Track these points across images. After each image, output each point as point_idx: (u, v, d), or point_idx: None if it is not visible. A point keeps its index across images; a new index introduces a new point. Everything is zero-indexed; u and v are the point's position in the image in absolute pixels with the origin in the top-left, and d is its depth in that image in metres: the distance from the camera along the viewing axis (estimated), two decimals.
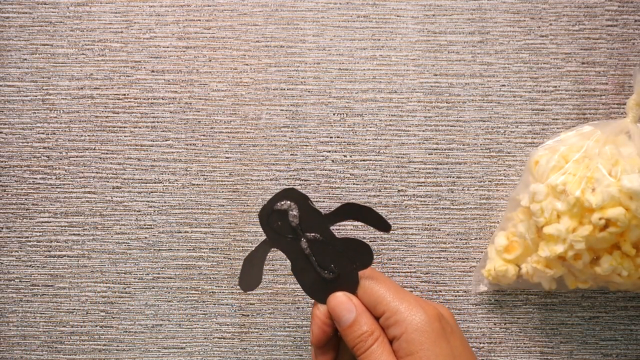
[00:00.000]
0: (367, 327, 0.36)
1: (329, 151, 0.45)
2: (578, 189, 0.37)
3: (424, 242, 0.45)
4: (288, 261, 0.38)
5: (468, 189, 0.45)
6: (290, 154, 0.45)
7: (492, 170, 0.45)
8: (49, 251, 0.45)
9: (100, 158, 0.45)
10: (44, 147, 0.45)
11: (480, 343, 0.44)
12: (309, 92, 0.45)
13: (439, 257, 0.45)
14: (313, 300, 0.39)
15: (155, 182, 0.45)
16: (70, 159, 0.45)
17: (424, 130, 0.45)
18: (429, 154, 0.44)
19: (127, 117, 0.45)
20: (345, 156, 0.45)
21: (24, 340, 0.45)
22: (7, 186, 0.45)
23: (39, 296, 0.45)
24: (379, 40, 0.45)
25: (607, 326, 0.44)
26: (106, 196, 0.45)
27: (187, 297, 0.45)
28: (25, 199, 0.45)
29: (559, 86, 0.44)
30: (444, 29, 0.45)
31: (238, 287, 0.39)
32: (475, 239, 0.45)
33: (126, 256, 0.45)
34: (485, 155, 0.45)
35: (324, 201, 0.45)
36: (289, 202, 0.38)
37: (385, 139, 0.45)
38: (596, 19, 0.44)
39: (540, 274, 0.40)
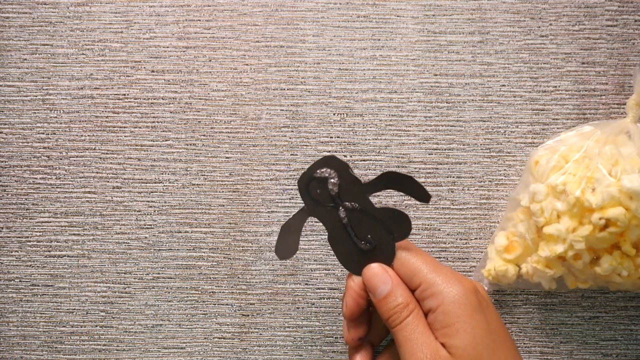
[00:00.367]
0: (402, 299, 0.36)
1: (329, 151, 0.45)
2: (578, 189, 0.37)
3: (424, 242, 0.45)
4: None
5: (468, 189, 0.45)
6: (290, 154, 0.45)
7: (492, 170, 0.45)
8: (49, 251, 0.45)
9: (100, 158, 0.45)
10: (44, 147, 0.45)
11: None
12: (309, 92, 0.45)
13: (439, 257, 0.45)
14: (347, 272, 0.38)
15: (155, 182, 0.45)
16: (70, 159, 0.45)
17: (424, 130, 0.45)
18: (429, 154, 0.44)
19: (127, 117, 0.45)
20: (345, 156, 0.45)
21: (24, 340, 0.45)
22: (7, 186, 0.45)
23: (39, 296, 0.45)
24: (379, 40, 0.45)
25: (607, 326, 0.44)
26: (106, 196, 0.45)
27: (187, 297, 0.45)
28: (25, 199, 0.45)
29: (559, 86, 0.44)
30: (444, 29, 0.45)
31: (276, 256, 0.38)
32: (475, 239, 0.45)
33: (126, 256, 0.45)
34: (485, 155, 0.45)
35: None
36: (329, 169, 0.37)
37: (385, 139, 0.45)
38: (596, 19, 0.44)
39: (540, 274, 0.40)
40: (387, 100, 0.45)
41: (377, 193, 0.38)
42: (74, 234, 0.45)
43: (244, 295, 0.45)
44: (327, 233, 0.38)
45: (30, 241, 0.45)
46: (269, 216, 0.45)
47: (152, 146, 0.45)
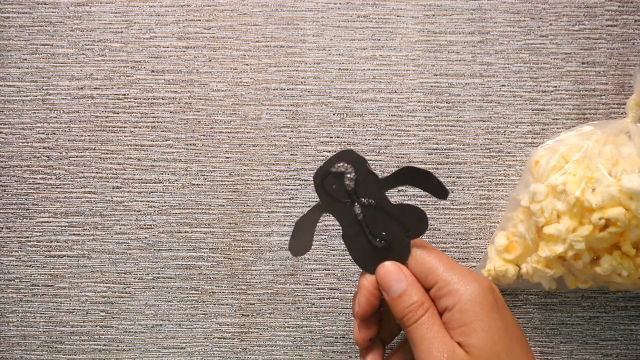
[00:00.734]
0: (417, 297, 0.35)
1: (329, 151, 0.45)
2: (578, 189, 0.37)
3: None
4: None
5: (468, 189, 0.45)
6: (290, 154, 0.45)
7: (492, 170, 0.45)
8: (49, 251, 0.45)
9: (100, 158, 0.45)
10: (44, 147, 0.45)
11: None
12: (309, 92, 0.45)
13: None
14: (358, 272, 0.38)
15: (155, 182, 0.45)
16: (70, 159, 0.45)
17: (424, 130, 0.45)
18: (429, 154, 0.44)
19: (127, 117, 0.45)
20: None
21: (24, 340, 0.45)
22: (7, 186, 0.45)
23: (39, 296, 0.45)
24: (379, 40, 0.45)
25: (607, 326, 0.44)
26: (106, 196, 0.45)
27: (187, 297, 0.45)
28: (25, 199, 0.45)
29: (559, 86, 0.44)
30: (444, 29, 0.45)
31: (290, 249, 0.37)
32: (475, 239, 0.45)
33: (126, 256, 0.45)
34: (485, 155, 0.45)
35: None
36: (346, 164, 0.37)
37: (385, 139, 0.45)
38: (596, 19, 0.44)
39: (540, 274, 0.40)
40: (387, 100, 0.45)
41: (394, 189, 0.37)
42: (74, 234, 0.45)
43: (244, 295, 0.45)
44: (341, 230, 0.37)
45: (30, 241, 0.45)
46: (269, 216, 0.45)
47: (152, 146, 0.45)
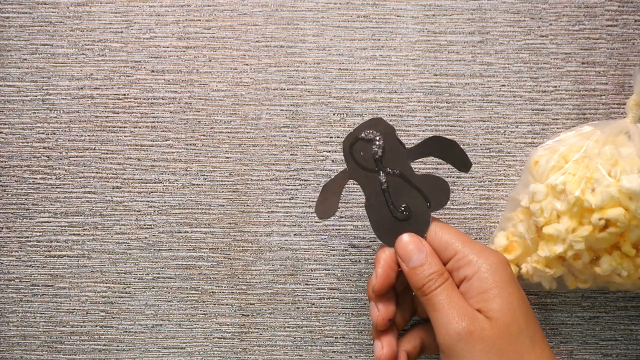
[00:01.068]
0: (437, 267, 0.37)
1: (329, 151, 0.45)
2: (578, 189, 0.37)
3: None
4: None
5: (468, 189, 0.45)
6: (290, 154, 0.45)
7: (492, 170, 0.45)
8: (49, 251, 0.45)
9: (100, 158, 0.45)
10: (44, 147, 0.45)
11: None
12: (309, 92, 0.45)
13: None
14: (378, 245, 0.38)
15: (155, 182, 0.45)
16: (70, 159, 0.45)
17: (424, 131, 0.45)
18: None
19: (127, 117, 0.45)
20: None
21: (24, 340, 0.45)
22: (7, 186, 0.45)
23: (39, 296, 0.45)
24: (379, 40, 0.45)
25: (607, 326, 0.44)
26: (106, 196, 0.45)
27: (187, 297, 0.45)
28: (25, 199, 0.45)
29: (559, 86, 0.44)
30: (444, 29, 0.45)
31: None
32: (475, 239, 0.45)
33: (126, 256, 0.45)
34: (485, 155, 0.45)
35: None
36: (375, 131, 0.38)
37: None
38: (596, 19, 0.44)
39: (540, 274, 0.40)
40: (387, 100, 0.45)
41: (419, 160, 0.39)
42: (74, 234, 0.45)
43: (244, 295, 0.45)
44: (364, 199, 0.38)
45: (30, 241, 0.45)
46: (269, 216, 0.45)
47: (152, 146, 0.45)
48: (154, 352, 0.45)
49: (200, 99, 0.45)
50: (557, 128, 0.44)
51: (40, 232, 0.45)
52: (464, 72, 0.45)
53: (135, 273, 0.45)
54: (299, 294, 0.45)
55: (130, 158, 0.45)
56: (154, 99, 0.45)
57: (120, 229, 0.45)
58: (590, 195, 0.37)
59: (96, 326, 0.45)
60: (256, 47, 0.45)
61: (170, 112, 0.45)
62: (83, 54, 0.45)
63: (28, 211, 0.45)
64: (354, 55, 0.45)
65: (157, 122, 0.45)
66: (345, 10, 0.45)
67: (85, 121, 0.45)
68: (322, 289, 0.45)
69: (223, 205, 0.45)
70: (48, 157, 0.45)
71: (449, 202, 0.44)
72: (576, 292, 0.44)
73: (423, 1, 0.45)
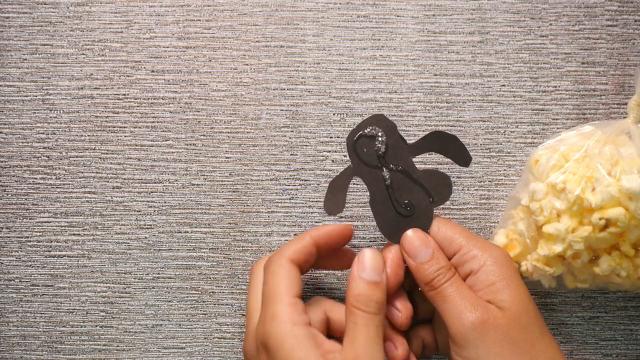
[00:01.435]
0: (444, 262, 0.37)
1: (329, 151, 0.45)
2: (578, 188, 0.37)
3: None
4: None
5: (468, 189, 0.45)
6: (290, 154, 0.45)
7: (492, 170, 0.45)
8: (49, 251, 0.45)
9: (100, 158, 0.45)
10: (44, 147, 0.45)
11: None
12: (309, 92, 0.45)
13: None
14: (383, 245, 0.39)
15: (155, 182, 0.45)
16: (70, 159, 0.45)
17: (424, 131, 0.45)
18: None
19: (127, 117, 0.45)
20: (345, 156, 0.45)
21: (24, 340, 0.45)
22: (7, 186, 0.45)
23: (39, 296, 0.45)
24: (379, 40, 0.45)
25: (607, 326, 0.44)
26: (106, 196, 0.45)
27: (187, 297, 0.45)
28: (25, 199, 0.45)
29: (559, 86, 0.44)
30: (444, 29, 0.45)
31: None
32: None
33: (126, 256, 0.45)
34: (485, 155, 0.45)
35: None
36: (377, 127, 0.38)
37: None
38: (596, 19, 0.44)
39: (539, 272, 0.40)
40: (387, 100, 0.45)
41: (421, 155, 0.39)
42: (74, 234, 0.45)
43: (244, 295, 0.45)
44: (369, 196, 0.39)
45: (30, 241, 0.45)
46: (269, 216, 0.45)
47: (152, 146, 0.45)
48: (154, 352, 0.45)
49: (200, 99, 0.45)
50: (557, 128, 0.44)
51: (40, 232, 0.45)
52: (464, 72, 0.45)
53: (135, 273, 0.45)
54: None
55: (130, 158, 0.45)
56: (154, 99, 0.45)
57: (120, 229, 0.45)
58: (590, 194, 0.37)
59: (96, 326, 0.45)
60: (256, 47, 0.45)
61: (170, 112, 0.45)
62: (83, 54, 0.45)
63: (28, 211, 0.45)
64: (354, 55, 0.45)
65: (157, 122, 0.45)
66: (345, 10, 0.45)
67: (85, 121, 0.45)
68: (322, 289, 0.45)
69: (223, 205, 0.45)
70: (48, 157, 0.45)
71: (448, 203, 0.44)
72: (576, 292, 0.44)
73: (423, 1, 0.45)
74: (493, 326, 0.34)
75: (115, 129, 0.45)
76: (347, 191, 0.39)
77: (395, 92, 0.45)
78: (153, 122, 0.45)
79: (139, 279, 0.45)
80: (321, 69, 0.45)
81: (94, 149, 0.45)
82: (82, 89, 0.45)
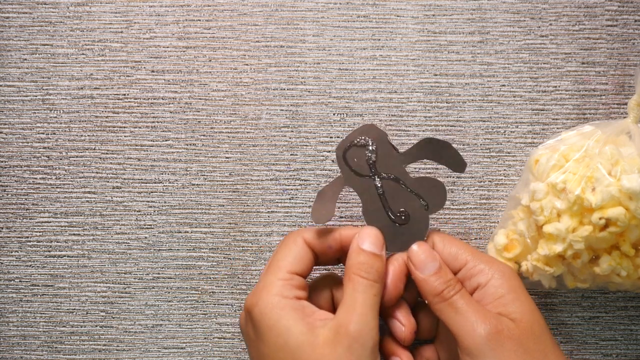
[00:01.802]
0: (451, 275, 0.37)
1: (329, 151, 0.45)
2: (578, 188, 0.37)
3: None
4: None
5: (468, 189, 0.45)
6: (290, 154, 0.45)
7: (492, 170, 0.45)
8: (49, 251, 0.45)
9: (100, 158, 0.45)
10: (44, 147, 0.45)
11: None
12: (309, 92, 0.45)
13: None
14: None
15: (155, 182, 0.45)
16: (70, 159, 0.45)
17: (424, 131, 0.45)
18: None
19: (127, 117, 0.45)
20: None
21: (24, 340, 0.45)
22: (7, 186, 0.45)
23: (39, 296, 0.45)
24: (379, 40, 0.45)
25: (607, 326, 0.44)
26: (106, 196, 0.45)
27: (187, 297, 0.45)
28: (25, 199, 0.45)
29: (559, 86, 0.44)
30: (444, 29, 0.45)
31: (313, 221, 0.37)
32: (475, 239, 0.45)
33: (126, 256, 0.45)
34: (485, 155, 0.45)
35: None
36: (367, 137, 0.38)
37: None
38: (596, 19, 0.44)
39: (540, 272, 0.40)
40: (387, 100, 0.45)
41: (414, 163, 0.39)
42: (74, 234, 0.45)
43: (244, 295, 0.45)
44: (361, 206, 0.38)
45: (30, 241, 0.45)
46: (269, 216, 0.45)
47: (152, 146, 0.45)
48: (154, 352, 0.45)
49: (200, 99, 0.45)
50: (557, 128, 0.44)
51: (40, 232, 0.45)
52: (464, 72, 0.45)
53: (135, 273, 0.45)
54: None
55: (130, 158, 0.45)
56: (154, 99, 0.45)
57: (120, 229, 0.45)
58: (590, 194, 0.37)
59: (96, 326, 0.45)
60: (256, 47, 0.45)
61: (170, 112, 0.45)
62: (83, 54, 0.45)
63: (28, 211, 0.45)
64: (354, 55, 0.45)
65: (157, 122, 0.45)
66: (345, 10, 0.45)
67: (85, 121, 0.45)
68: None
69: (223, 205, 0.45)
70: (48, 157, 0.45)
71: (448, 203, 0.44)
72: (576, 292, 0.44)
73: (423, 1, 0.45)
74: (508, 337, 0.34)
75: (115, 129, 0.45)
76: (336, 201, 0.38)
77: (395, 92, 0.45)
78: (153, 122, 0.45)
79: (139, 279, 0.45)
80: (321, 69, 0.45)
81: (94, 149, 0.45)
82: (82, 89, 0.45)
